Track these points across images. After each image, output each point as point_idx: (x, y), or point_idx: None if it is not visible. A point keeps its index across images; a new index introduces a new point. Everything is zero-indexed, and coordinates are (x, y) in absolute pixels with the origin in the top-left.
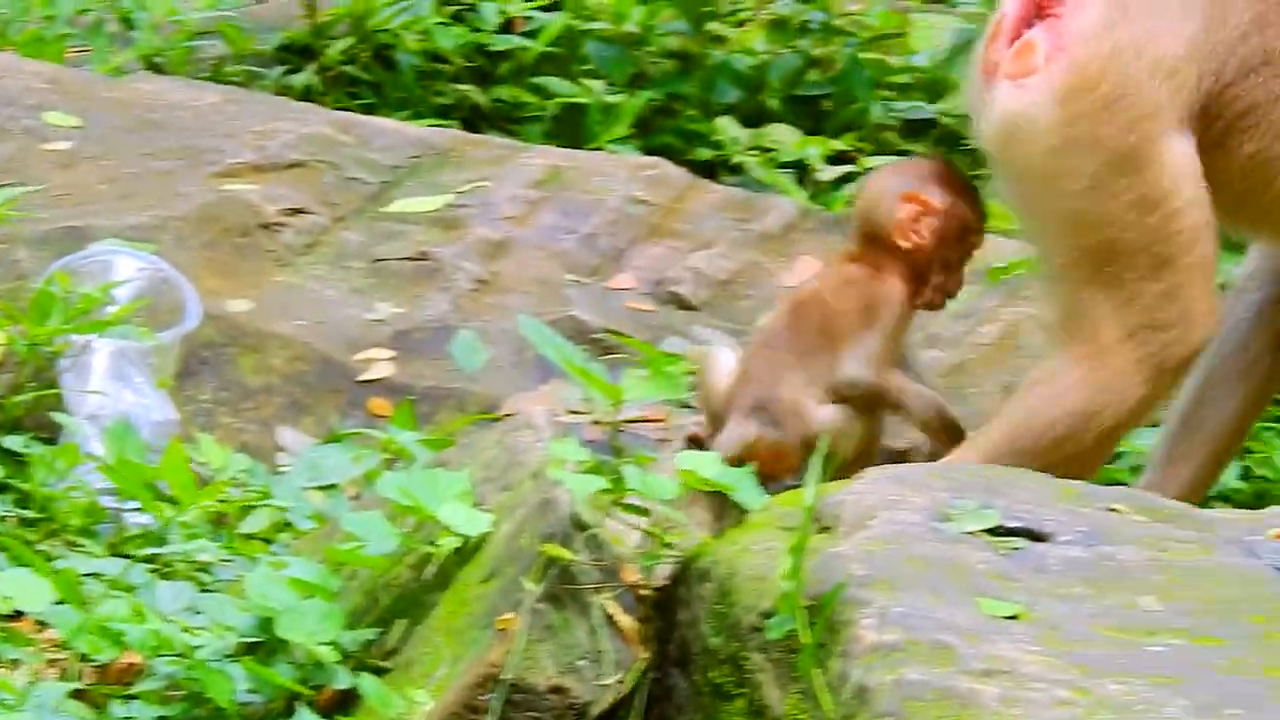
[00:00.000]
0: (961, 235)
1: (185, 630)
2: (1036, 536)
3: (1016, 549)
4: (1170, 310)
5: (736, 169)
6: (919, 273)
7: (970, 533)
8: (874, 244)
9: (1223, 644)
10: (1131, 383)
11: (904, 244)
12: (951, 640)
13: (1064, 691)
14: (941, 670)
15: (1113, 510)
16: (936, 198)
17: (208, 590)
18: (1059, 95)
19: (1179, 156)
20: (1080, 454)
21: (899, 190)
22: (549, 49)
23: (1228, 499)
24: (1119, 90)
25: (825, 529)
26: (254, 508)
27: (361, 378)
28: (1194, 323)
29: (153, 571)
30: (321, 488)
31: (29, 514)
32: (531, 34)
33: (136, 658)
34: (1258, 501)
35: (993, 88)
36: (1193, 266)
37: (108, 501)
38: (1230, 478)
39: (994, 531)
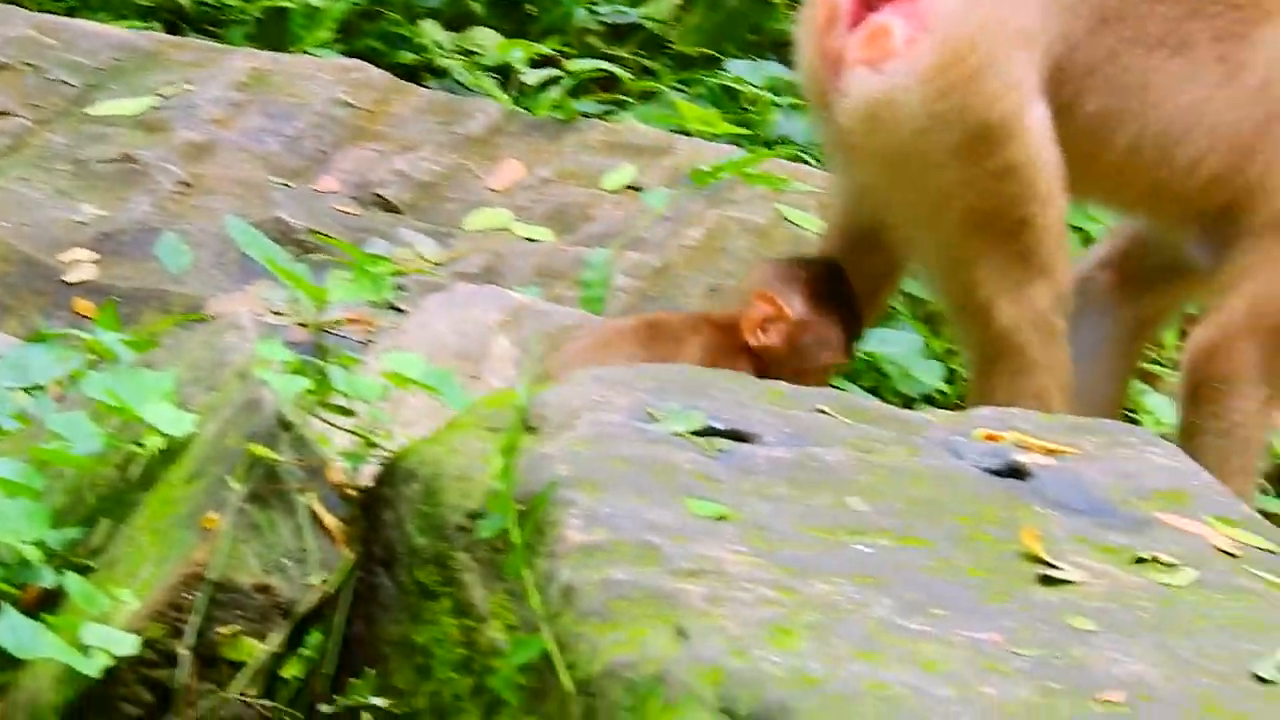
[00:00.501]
0: (816, 350)
1: None
2: (742, 437)
3: (722, 450)
4: (1033, 267)
5: (440, 72)
6: (764, 368)
7: (676, 434)
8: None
9: (928, 544)
10: (1029, 341)
11: (750, 340)
12: (658, 540)
13: (770, 591)
14: (647, 570)
15: (819, 412)
16: (795, 306)
17: None
18: (925, 75)
19: (1038, 123)
20: None
21: (761, 285)
22: None
23: (933, 400)
24: (986, 64)
25: (531, 430)
26: None
27: (66, 279)
28: (1056, 276)
29: None
30: (26, 388)
31: None
32: None
33: None
34: (962, 403)
35: (844, 76)
36: (1049, 227)
37: None
38: (935, 380)
39: (700, 432)
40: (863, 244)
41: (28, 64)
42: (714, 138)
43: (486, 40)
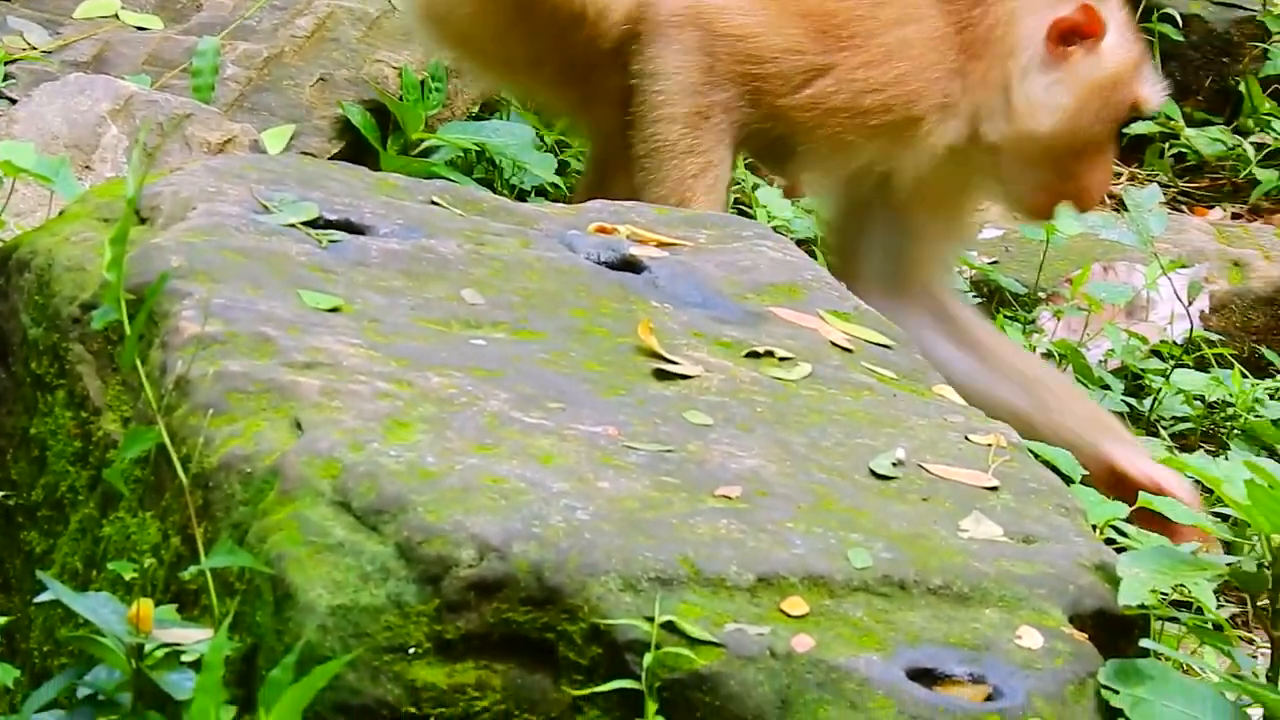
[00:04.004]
0: None
1: None
2: (356, 229)
3: (336, 241)
4: None
5: None
6: None
7: (289, 225)
8: None
9: (544, 337)
10: None
11: None
12: (273, 333)
13: (386, 384)
14: (263, 362)
15: (433, 203)
16: None
17: None
18: None
19: None
20: None
21: None
22: None
23: (545, 193)
24: None
25: (144, 220)
26: None
27: None
28: None
29: None
30: None
31: None
32: None
33: None
34: (574, 196)
35: None
36: None
37: None
38: (548, 172)
39: (314, 224)
40: None
41: None
42: None
43: None
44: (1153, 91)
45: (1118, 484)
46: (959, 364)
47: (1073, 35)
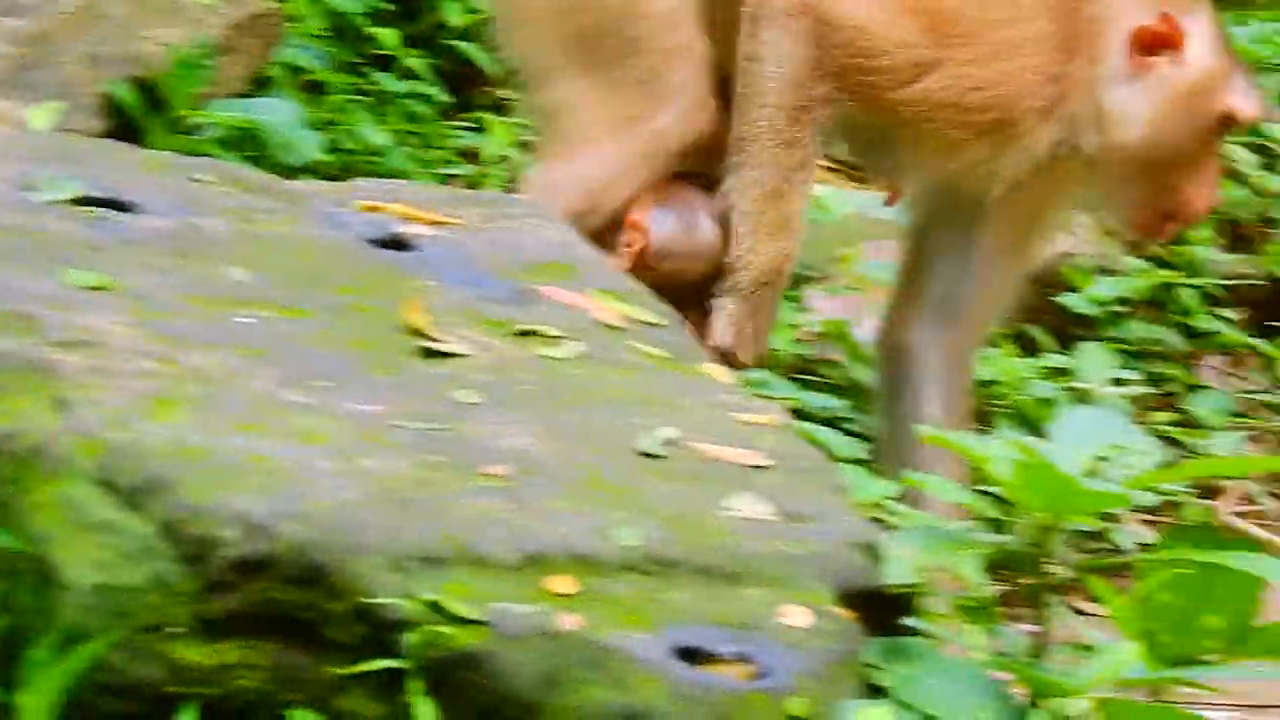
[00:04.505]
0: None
1: None
2: (123, 207)
3: (102, 219)
4: (649, 100)
5: None
6: None
7: (54, 202)
8: None
9: (311, 315)
10: (624, 172)
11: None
12: (36, 310)
13: (151, 363)
14: (26, 340)
15: (200, 181)
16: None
17: None
18: None
19: None
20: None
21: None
22: None
23: (314, 171)
24: None
25: None
26: None
27: None
28: (677, 112)
29: None
30: None
31: None
32: None
33: None
34: (345, 174)
35: None
36: (670, 53)
37: None
38: (316, 150)
39: (79, 202)
40: None
41: None
42: None
43: None
44: (1245, 102)
45: None
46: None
47: (1155, 45)
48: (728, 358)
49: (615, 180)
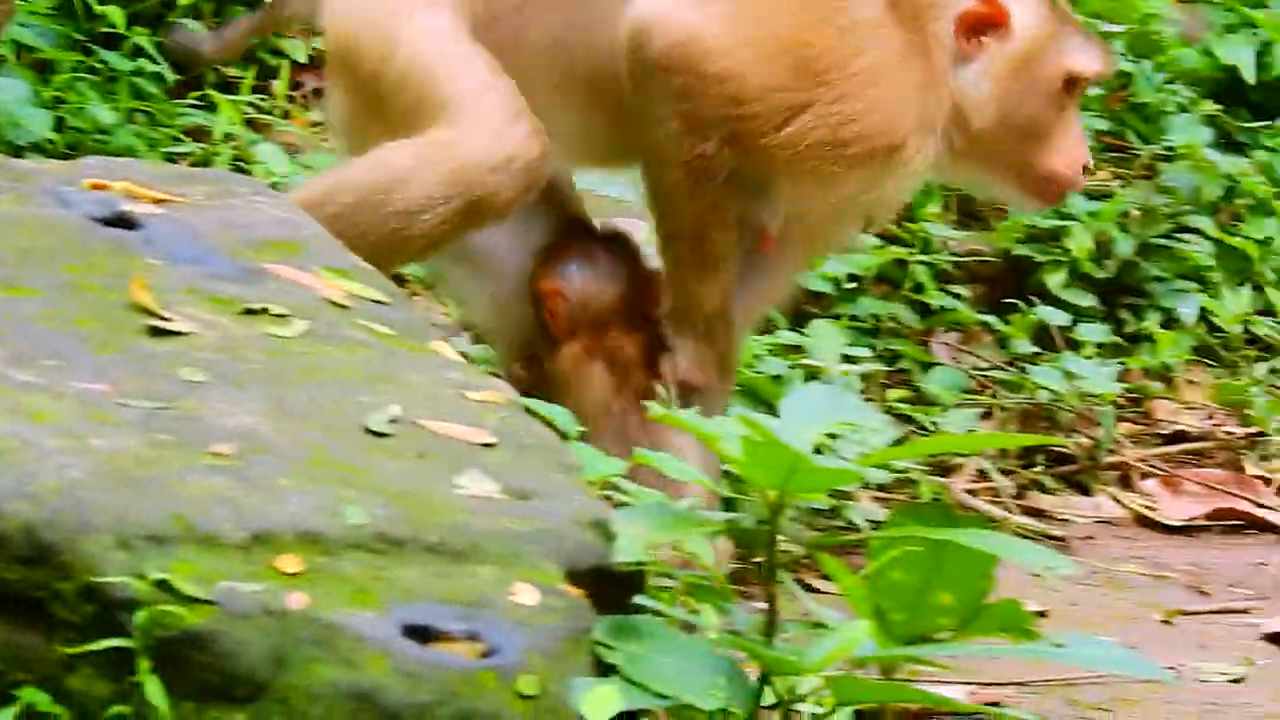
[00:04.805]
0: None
1: None
2: None
3: None
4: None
5: None
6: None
7: None
8: None
9: (37, 294)
10: (425, 178)
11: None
12: None
13: None
14: None
15: None
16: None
17: None
18: None
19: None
20: (374, 229)
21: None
22: None
23: (42, 149)
24: None
25: None
26: None
27: None
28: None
29: None
30: None
31: None
32: None
33: None
34: (73, 152)
35: None
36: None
37: None
38: (44, 128)
39: None
40: None
41: None
42: None
43: None
44: (1087, 59)
45: None
46: None
47: (980, 25)
48: (696, 389)
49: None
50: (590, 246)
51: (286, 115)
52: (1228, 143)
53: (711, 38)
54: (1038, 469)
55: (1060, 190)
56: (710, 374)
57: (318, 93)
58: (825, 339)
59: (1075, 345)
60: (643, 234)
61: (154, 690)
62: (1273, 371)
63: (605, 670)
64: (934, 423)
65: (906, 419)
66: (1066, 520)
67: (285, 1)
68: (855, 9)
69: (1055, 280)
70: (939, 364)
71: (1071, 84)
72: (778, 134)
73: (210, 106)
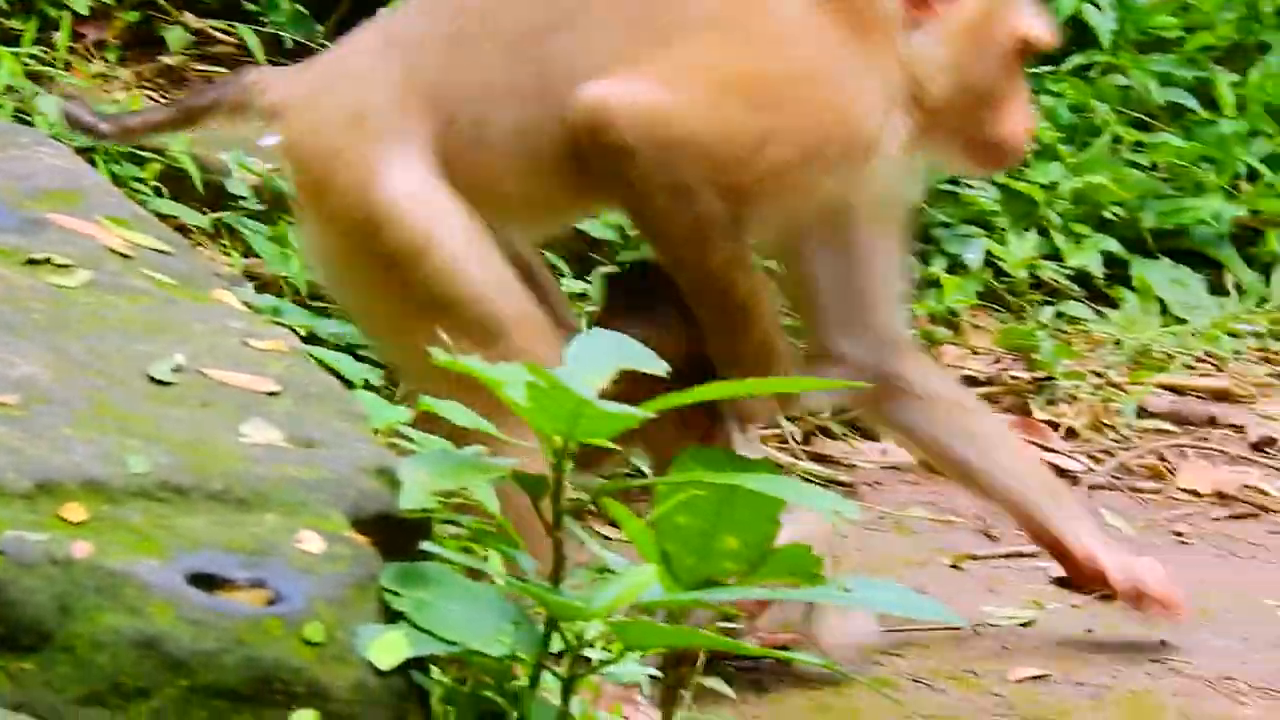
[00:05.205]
0: None
1: None
2: None
3: None
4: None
5: None
6: None
7: None
8: None
9: None
10: None
11: None
12: None
13: None
14: None
15: None
16: None
17: None
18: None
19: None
20: None
21: None
22: None
23: None
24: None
25: None
26: None
27: None
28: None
29: None
30: None
31: None
32: None
33: None
34: None
35: None
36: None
37: None
38: None
39: None
40: None
41: None
42: None
43: None
44: (1038, 26)
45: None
46: (955, 450)
47: None
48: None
49: None
50: (650, 299)
51: (68, 67)
52: None
53: (663, 106)
54: (825, 415)
55: (1007, 157)
56: (770, 406)
57: (100, 45)
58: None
59: None
60: None
61: None
62: (1058, 316)
63: (392, 617)
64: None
65: None
66: (854, 465)
67: None
68: (774, 11)
69: None
70: None
71: (1023, 49)
72: (755, 168)
73: None
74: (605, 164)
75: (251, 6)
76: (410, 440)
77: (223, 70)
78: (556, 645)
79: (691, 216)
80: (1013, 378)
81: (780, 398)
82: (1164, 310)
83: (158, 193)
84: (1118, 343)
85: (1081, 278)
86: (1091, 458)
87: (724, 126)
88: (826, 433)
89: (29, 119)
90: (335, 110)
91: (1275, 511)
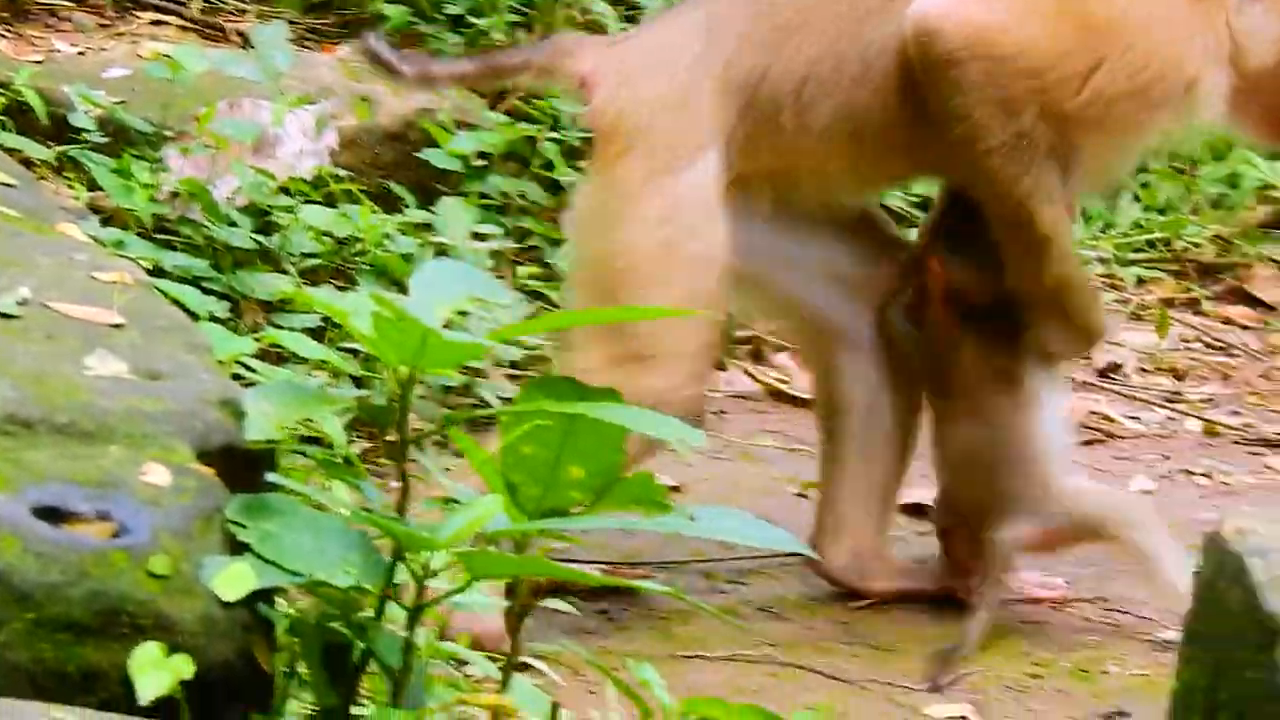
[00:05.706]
0: None
1: None
2: None
3: None
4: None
5: None
6: None
7: None
8: None
9: None
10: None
11: None
12: None
13: None
14: None
15: None
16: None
17: None
18: None
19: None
20: None
21: None
22: None
23: None
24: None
25: None
26: None
27: None
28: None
29: None
30: None
31: None
32: None
33: None
34: None
35: None
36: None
37: None
38: None
39: None
40: None
41: None
42: None
43: None
44: None
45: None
46: None
47: None
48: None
49: None
50: (972, 236)
51: None
52: None
53: (995, 20)
54: None
55: None
56: (1073, 343)
57: None
58: (454, 216)
59: None
60: None
61: None
62: None
63: (238, 549)
64: (563, 299)
65: (538, 295)
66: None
67: None
68: None
69: None
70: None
71: None
72: (1079, 96)
73: None
74: (933, 78)
75: None
76: (255, 372)
77: None
78: (402, 575)
79: (1012, 133)
80: None
81: (1086, 334)
82: None
83: (1, 126)
84: None
85: None
86: None
87: (1055, 46)
88: None
89: None
90: (651, 92)
91: (1122, 438)
